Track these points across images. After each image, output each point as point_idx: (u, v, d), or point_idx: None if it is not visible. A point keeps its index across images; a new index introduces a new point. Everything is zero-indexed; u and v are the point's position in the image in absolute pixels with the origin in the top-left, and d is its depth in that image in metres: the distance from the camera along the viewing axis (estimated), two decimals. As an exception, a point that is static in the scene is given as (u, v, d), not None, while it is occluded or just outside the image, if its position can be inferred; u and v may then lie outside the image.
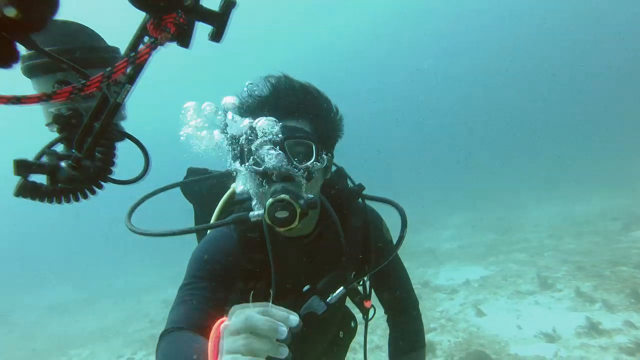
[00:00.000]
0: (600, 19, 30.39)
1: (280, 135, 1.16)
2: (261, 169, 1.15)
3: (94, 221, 26.55)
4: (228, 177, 1.57)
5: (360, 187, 1.45)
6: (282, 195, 1.11)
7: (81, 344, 8.24)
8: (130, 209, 1.40)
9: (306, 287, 1.35)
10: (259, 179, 1.18)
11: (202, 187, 1.61)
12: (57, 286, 14.58)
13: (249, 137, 1.16)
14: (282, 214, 1.10)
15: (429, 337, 5.35)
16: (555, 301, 5.60)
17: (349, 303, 1.62)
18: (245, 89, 1.26)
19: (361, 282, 1.49)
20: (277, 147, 1.15)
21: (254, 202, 1.27)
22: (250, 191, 1.25)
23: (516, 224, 11.15)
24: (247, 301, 1.20)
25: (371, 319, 1.58)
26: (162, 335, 1.11)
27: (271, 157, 1.13)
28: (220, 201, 1.48)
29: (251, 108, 1.23)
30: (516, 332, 4.95)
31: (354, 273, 1.48)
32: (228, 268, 1.28)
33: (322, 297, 1.33)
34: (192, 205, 1.68)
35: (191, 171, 1.71)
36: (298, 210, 1.11)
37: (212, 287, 1.24)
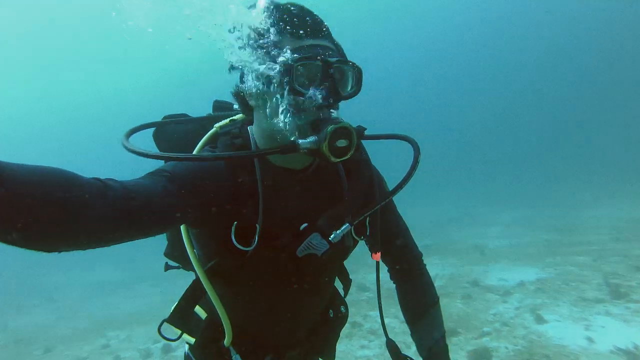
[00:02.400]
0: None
1: (331, 57, 1.03)
2: (309, 91, 1.02)
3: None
4: (211, 122, 1.34)
5: (361, 128, 1.23)
6: (345, 124, 1.00)
7: (119, 326, 8.29)
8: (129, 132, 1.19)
9: (304, 225, 1.16)
10: (299, 102, 1.03)
11: (178, 131, 1.38)
12: (98, 267, 15.01)
13: (292, 53, 1.01)
14: (342, 143, 1.01)
15: (482, 341, 4.91)
16: (632, 313, 4.95)
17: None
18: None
19: (367, 233, 1.29)
20: (331, 70, 1.02)
21: (276, 132, 1.09)
22: (275, 121, 1.07)
23: (573, 224, 10.33)
24: (229, 232, 1.06)
25: (345, 295, 1.48)
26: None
27: (323, 83, 1.02)
28: (203, 138, 1.26)
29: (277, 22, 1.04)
30: (587, 345, 4.37)
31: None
32: (208, 187, 1.07)
33: (324, 235, 1.15)
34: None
35: (217, 105, 1.49)
36: (354, 140, 1.03)
37: (180, 193, 1.00)
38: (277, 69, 1.02)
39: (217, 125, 1.26)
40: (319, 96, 1.01)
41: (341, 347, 5.50)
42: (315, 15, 1.09)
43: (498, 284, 6.91)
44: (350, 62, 1.09)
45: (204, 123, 1.37)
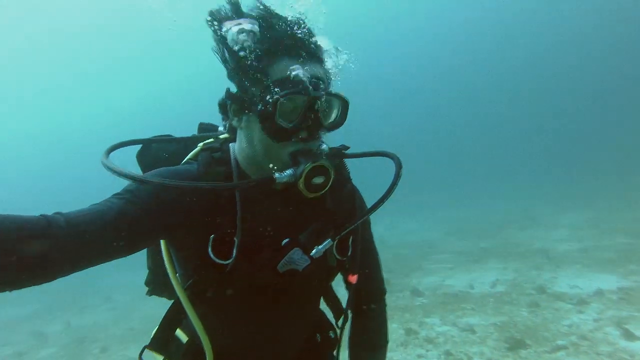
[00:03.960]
0: None
1: (319, 89, 1.01)
2: (292, 125, 1.01)
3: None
4: (195, 142, 1.31)
5: (344, 147, 1.29)
6: (323, 162, 1.02)
7: (171, 326, 8.37)
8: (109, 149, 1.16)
9: (285, 240, 1.15)
10: (279, 134, 1.03)
11: (164, 150, 1.37)
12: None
13: (274, 85, 0.99)
14: (319, 180, 1.03)
15: (557, 356, 4.37)
16: None
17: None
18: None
19: (349, 252, 1.28)
20: (317, 105, 1.01)
21: (257, 156, 1.10)
22: (256, 145, 1.08)
23: (655, 225, 9.22)
24: (206, 246, 1.05)
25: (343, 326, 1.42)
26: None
27: (307, 117, 1.01)
28: (187, 157, 1.25)
29: (264, 44, 1.01)
30: (691, 365, 3.73)
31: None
32: (182, 200, 1.05)
33: (305, 250, 1.14)
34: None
35: (202, 127, 1.47)
36: (332, 175, 1.05)
37: (150, 212, 1.00)
38: (260, 97, 1.00)
39: (201, 144, 1.26)
40: (301, 130, 1.01)
41: (396, 355, 5.18)
42: (309, 32, 1.03)
43: (570, 291, 6.22)
44: (339, 95, 1.06)
45: (188, 144, 1.35)
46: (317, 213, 1.21)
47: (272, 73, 1.00)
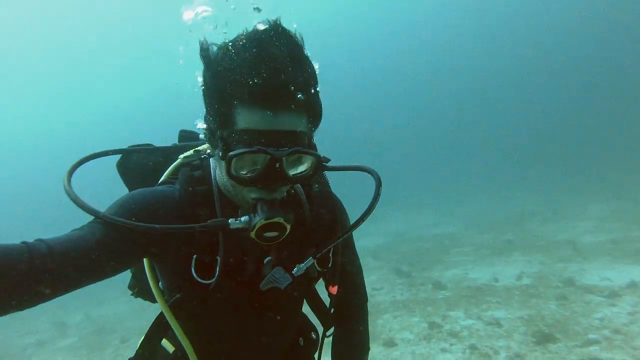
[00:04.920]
0: None
1: (283, 147, 0.92)
2: (250, 177, 0.96)
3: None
4: (176, 152, 1.31)
5: (324, 159, 1.17)
6: (279, 219, 0.96)
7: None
8: (70, 169, 1.12)
9: (267, 259, 1.17)
10: (239, 181, 0.97)
11: (148, 159, 1.34)
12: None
13: (236, 134, 0.92)
14: (271, 234, 0.99)
15: (590, 351, 4.18)
16: None
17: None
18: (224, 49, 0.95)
19: (329, 264, 1.28)
20: (277, 162, 0.93)
21: (228, 187, 1.08)
22: (226, 179, 1.05)
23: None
24: (189, 266, 1.07)
25: (330, 335, 1.45)
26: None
27: (269, 173, 0.94)
28: (167, 170, 1.25)
29: (230, 86, 0.92)
30: None
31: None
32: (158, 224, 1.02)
33: (287, 268, 1.16)
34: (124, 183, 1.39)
35: (183, 135, 1.45)
36: (288, 230, 0.99)
37: (131, 236, 1.00)
38: (223, 142, 0.94)
39: (181, 156, 1.24)
40: (259, 188, 0.97)
41: (419, 349, 5.03)
42: (293, 78, 0.89)
43: (601, 284, 5.97)
44: (308, 152, 0.95)
45: (170, 153, 1.34)
46: (298, 231, 1.17)
47: (238, 120, 0.92)
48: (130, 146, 1.38)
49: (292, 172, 0.99)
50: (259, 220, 0.95)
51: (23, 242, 0.86)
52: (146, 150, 1.35)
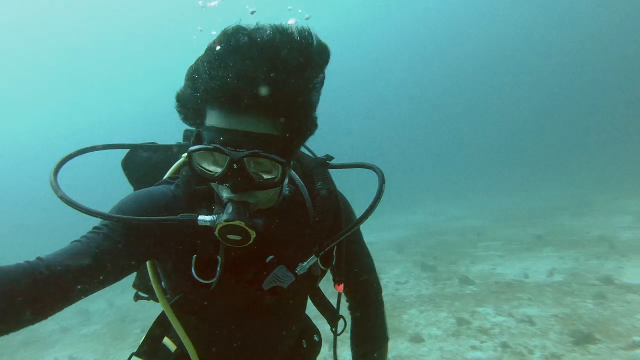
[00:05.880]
0: None
1: (242, 148, 0.91)
2: (215, 176, 0.95)
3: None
4: (180, 151, 1.32)
5: (328, 157, 1.28)
6: (236, 223, 0.93)
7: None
8: (60, 162, 1.13)
9: (269, 257, 1.14)
10: (206, 178, 0.97)
11: (153, 157, 1.34)
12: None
13: (203, 130, 0.96)
14: (235, 237, 0.96)
15: (636, 354, 3.90)
16: None
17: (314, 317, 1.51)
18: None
19: (333, 262, 1.26)
20: (235, 165, 0.91)
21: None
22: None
23: None
24: (189, 266, 1.08)
25: (341, 332, 1.42)
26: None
27: (232, 174, 0.93)
28: (171, 168, 1.24)
29: (200, 86, 0.92)
30: None
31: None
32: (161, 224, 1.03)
33: (289, 267, 1.13)
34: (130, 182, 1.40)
35: (187, 135, 1.42)
36: (253, 235, 0.96)
37: (128, 243, 1.01)
38: (194, 137, 0.98)
39: (184, 155, 1.23)
40: (228, 187, 0.96)
41: (448, 346, 4.80)
42: (269, 71, 0.86)
43: (643, 282, 5.61)
44: (266, 156, 0.91)
45: (174, 151, 1.34)
46: (300, 228, 1.19)
47: (207, 118, 0.95)
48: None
49: (266, 177, 0.96)
50: (219, 220, 0.95)
51: (25, 262, 0.88)
52: (149, 148, 1.35)
